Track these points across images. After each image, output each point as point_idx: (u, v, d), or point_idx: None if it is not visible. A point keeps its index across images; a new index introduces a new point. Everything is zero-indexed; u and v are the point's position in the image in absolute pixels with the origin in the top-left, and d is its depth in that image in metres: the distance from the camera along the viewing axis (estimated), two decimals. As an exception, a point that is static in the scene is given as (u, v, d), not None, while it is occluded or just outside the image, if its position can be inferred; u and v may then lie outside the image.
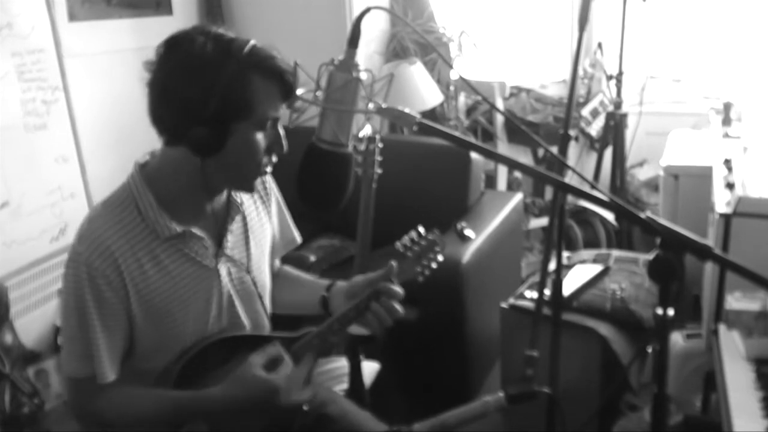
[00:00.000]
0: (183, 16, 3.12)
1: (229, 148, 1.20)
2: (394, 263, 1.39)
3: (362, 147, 1.88)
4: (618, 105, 3.16)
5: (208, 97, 1.16)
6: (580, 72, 3.35)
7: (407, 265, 1.41)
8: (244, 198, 1.41)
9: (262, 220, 1.47)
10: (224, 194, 1.37)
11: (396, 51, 3.42)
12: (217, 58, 1.17)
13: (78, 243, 1.23)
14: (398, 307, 1.37)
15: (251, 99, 1.19)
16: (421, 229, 1.44)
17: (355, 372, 1.83)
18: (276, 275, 1.59)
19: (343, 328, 1.38)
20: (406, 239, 1.43)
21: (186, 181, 1.27)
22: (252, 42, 1.21)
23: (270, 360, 1.28)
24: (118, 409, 1.28)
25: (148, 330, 1.29)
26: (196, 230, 1.30)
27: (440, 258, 1.45)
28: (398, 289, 1.37)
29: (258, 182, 1.48)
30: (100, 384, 1.26)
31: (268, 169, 1.31)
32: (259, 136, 1.23)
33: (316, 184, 1.24)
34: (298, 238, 1.62)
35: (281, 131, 1.27)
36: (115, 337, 1.26)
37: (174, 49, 1.19)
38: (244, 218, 1.41)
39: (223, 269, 1.36)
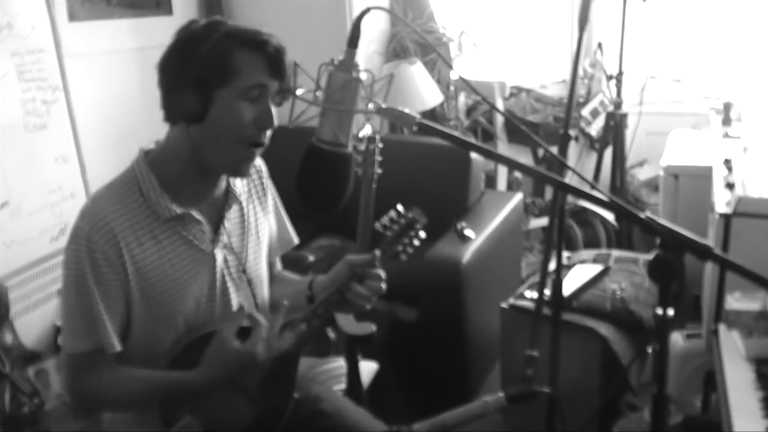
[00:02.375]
0: (183, 16, 3.11)
1: (212, 115, 1.24)
2: (378, 252, 1.39)
3: (362, 147, 1.87)
4: (618, 105, 3.17)
5: (190, 63, 1.22)
6: (580, 72, 3.34)
7: (387, 244, 1.40)
8: (242, 190, 1.43)
9: (259, 214, 1.49)
10: (223, 183, 1.38)
11: (396, 51, 3.42)
12: (203, 33, 1.23)
13: (80, 219, 1.27)
14: (382, 285, 1.38)
15: (232, 65, 1.22)
16: (400, 208, 1.43)
17: (353, 372, 1.83)
18: (272, 278, 1.59)
19: (327, 312, 1.38)
20: (385, 219, 1.42)
21: (185, 162, 1.30)
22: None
23: (240, 329, 1.28)
24: (113, 387, 1.29)
25: (143, 312, 1.31)
26: (195, 213, 1.32)
27: (422, 235, 1.43)
28: (379, 271, 1.38)
29: (255, 177, 1.49)
30: (100, 358, 1.27)
31: (260, 150, 1.30)
32: (244, 106, 1.24)
33: (316, 184, 1.23)
34: (295, 239, 1.63)
35: (271, 106, 1.27)
36: (114, 312, 1.28)
37: (175, 35, 1.27)
38: (241, 209, 1.43)
39: (219, 255, 1.37)
